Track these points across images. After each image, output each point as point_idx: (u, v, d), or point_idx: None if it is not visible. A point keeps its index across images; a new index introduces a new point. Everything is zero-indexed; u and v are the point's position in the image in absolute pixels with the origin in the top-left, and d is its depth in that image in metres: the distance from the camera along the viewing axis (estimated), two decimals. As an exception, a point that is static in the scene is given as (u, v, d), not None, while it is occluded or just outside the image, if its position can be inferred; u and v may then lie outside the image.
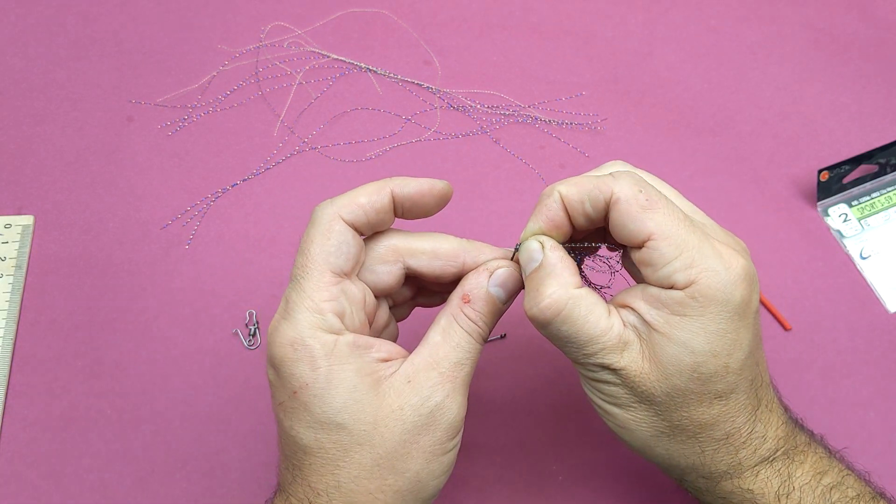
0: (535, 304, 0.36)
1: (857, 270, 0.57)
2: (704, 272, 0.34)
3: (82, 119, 0.61)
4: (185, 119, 0.62)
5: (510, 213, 0.59)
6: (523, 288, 0.38)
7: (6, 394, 0.50)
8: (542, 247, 0.37)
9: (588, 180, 0.36)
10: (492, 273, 0.38)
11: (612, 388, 0.36)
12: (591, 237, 0.40)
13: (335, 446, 0.35)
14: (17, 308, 0.53)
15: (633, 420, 0.37)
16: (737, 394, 0.36)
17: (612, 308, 0.36)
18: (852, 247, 0.58)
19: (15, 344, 0.52)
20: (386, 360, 0.37)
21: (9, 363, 0.51)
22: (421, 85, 0.64)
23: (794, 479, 0.37)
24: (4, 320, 0.52)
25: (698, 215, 0.38)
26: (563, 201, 0.37)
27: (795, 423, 0.40)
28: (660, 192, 0.36)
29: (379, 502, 0.35)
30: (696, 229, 0.35)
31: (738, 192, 0.60)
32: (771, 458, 0.37)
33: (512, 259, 0.39)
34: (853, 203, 0.60)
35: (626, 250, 0.38)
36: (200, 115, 0.62)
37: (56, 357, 0.52)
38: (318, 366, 0.35)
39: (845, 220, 0.59)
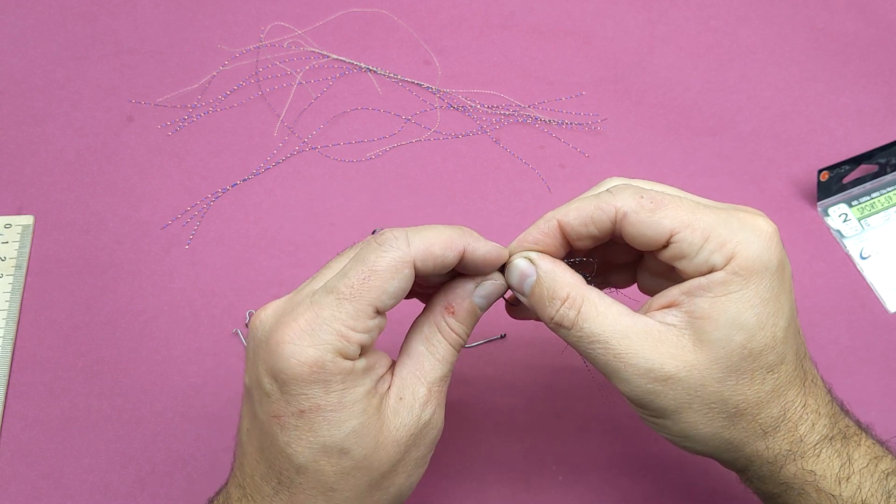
0: (555, 311, 0.36)
1: (857, 270, 0.57)
2: (740, 245, 0.34)
3: (82, 119, 0.61)
4: (185, 119, 0.62)
5: (510, 213, 0.59)
6: (505, 298, 0.38)
7: (6, 394, 0.50)
8: (532, 262, 0.37)
9: (588, 203, 0.36)
10: (478, 285, 0.38)
11: (658, 399, 0.35)
12: (591, 253, 0.40)
13: (335, 470, 0.34)
14: (17, 308, 0.53)
15: (689, 423, 0.36)
16: (786, 364, 0.35)
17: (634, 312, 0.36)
18: (852, 247, 0.58)
19: (15, 344, 0.52)
20: (382, 375, 0.36)
21: (9, 363, 0.51)
22: (421, 85, 0.64)
23: (853, 461, 0.36)
24: (4, 320, 0.52)
25: (706, 201, 0.38)
26: (560, 228, 0.37)
27: (840, 405, 0.39)
28: (661, 191, 0.36)
29: None
30: (711, 210, 0.35)
31: (738, 192, 0.60)
32: (830, 437, 0.37)
33: (501, 270, 0.38)
34: (853, 203, 0.60)
35: (643, 268, 0.39)
36: (200, 115, 0.62)
37: (56, 357, 0.52)
38: (332, 389, 0.33)
39: (845, 220, 0.59)
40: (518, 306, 0.40)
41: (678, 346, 0.35)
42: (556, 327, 0.36)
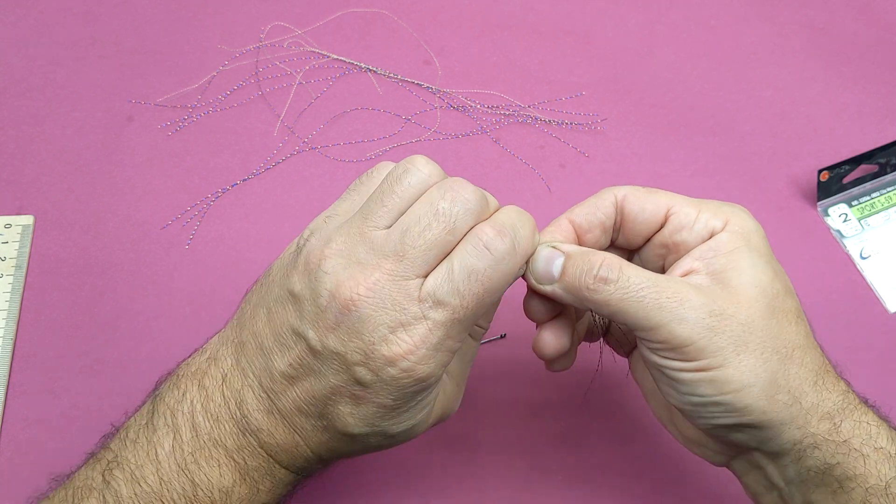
0: (597, 268, 0.35)
1: (857, 270, 0.57)
2: (730, 213, 0.37)
3: (82, 119, 0.61)
4: (185, 119, 0.62)
5: (510, 213, 0.59)
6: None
7: (6, 394, 0.50)
8: (556, 247, 0.37)
9: (587, 200, 0.39)
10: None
11: (715, 338, 0.34)
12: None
13: (375, 443, 0.37)
14: (17, 308, 0.53)
15: (749, 370, 0.34)
16: (803, 319, 0.37)
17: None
18: (852, 247, 0.58)
19: (15, 344, 0.52)
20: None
21: (9, 363, 0.51)
22: (421, 85, 0.64)
23: (879, 434, 0.36)
24: (4, 320, 0.52)
25: None
26: (572, 224, 0.38)
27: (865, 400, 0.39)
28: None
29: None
30: (694, 201, 0.38)
31: (738, 192, 0.60)
32: (857, 402, 0.37)
33: (523, 276, 0.38)
34: (853, 203, 0.60)
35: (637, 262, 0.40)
36: (200, 115, 0.62)
37: (56, 357, 0.52)
38: (420, 397, 0.36)
39: (845, 220, 0.59)
40: (548, 338, 0.40)
41: (718, 293, 0.35)
42: (599, 285, 0.34)
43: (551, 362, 0.41)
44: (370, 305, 0.33)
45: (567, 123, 0.63)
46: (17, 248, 0.55)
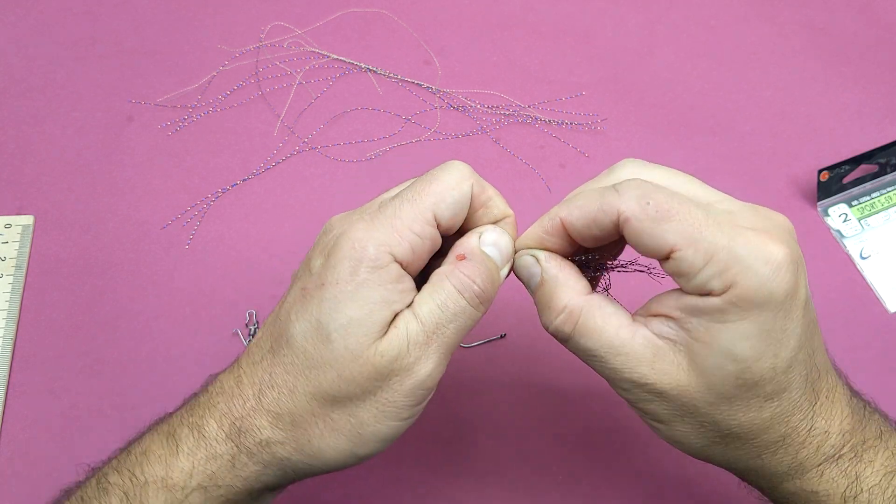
0: (551, 321, 0.35)
1: (858, 270, 0.57)
2: (741, 273, 0.31)
3: (82, 119, 0.61)
4: (185, 119, 0.62)
5: (510, 213, 0.59)
6: (515, 257, 0.38)
7: (6, 394, 0.50)
8: (538, 260, 0.36)
9: (591, 200, 0.34)
10: (481, 235, 0.37)
11: (652, 406, 0.35)
12: (606, 248, 0.38)
13: (313, 354, 0.34)
14: (17, 308, 0.53)
15: (680, 434, 0.35)
16: (789, 392, 0.33)
17: (638, 318, 0.35)
18: (852, 247, 0.58)
19: (15, 344, 0.52)
20: (401, 298, 0.35)
21: (9, 363, 0.51)
22: (421, 85, 0.64)
23: (861, 479, 0.35)
24: (4, 320, 0.52)
25: (723, 201, 0.35)
26: (564, 226, 0.35)
27: (866, 408, 0.37)
28: (672, 193, 0.33)
29: (317, 430, 0.35)
30: (722, 225, 0.32)
31: (739, 192, 0.59)
32: (837, 456, 0.35)
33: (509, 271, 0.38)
34: (853, 203, 0.60)
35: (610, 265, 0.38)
36: (200, 115, 0.62)
37: (56, 357, 0.52)
38: (358, 273, 0.33)
39: (845, 220, 0.59)
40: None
41: (674, 363, 0.33)
42: (554, 335, 0.36)
43: None
44: (338, 220, 0.37)
45: (567, 123, 0.63)
46: (17, 248, 0.55)
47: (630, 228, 0.33)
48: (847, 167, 0.59)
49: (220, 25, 0.67)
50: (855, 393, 0.38)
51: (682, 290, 0.33)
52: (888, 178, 0.61)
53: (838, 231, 0.59)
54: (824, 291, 0.56)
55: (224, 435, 0.35)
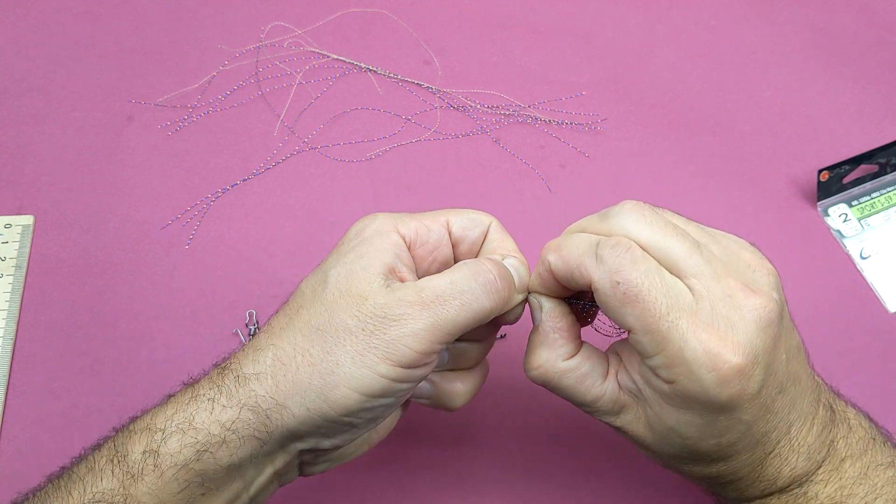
0: (528, 370, 0.38)
1: (857, 270, 0.57)
2: (684, 375, 0.32)
3: (82, 119, 0.61)
4: (185, 119, 0.62)
5: (510, 213, 0.59)
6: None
7: (6, 394, 0.50)
8: (541, 308, 0.38)
9: (575, 255, 0.35)
10: (504, 257, 0.39)
11: (620, 433, 0.38)
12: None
13: (312, 295, 0.36)
14: (17, 308, 0.53)
15: (646, 454, 0.39)
16: (740, 454, 0.36)
17: (610, 369, 0.38)
18: (852, 247, 0.58)
19: (15, 344, 0.52)
20: (400, 256, 0.37)
21: (9, 363, 0.51)
22: (421, 85, 0.64)
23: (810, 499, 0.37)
24: (4, 320, 0.52)
25: (710, 243, 0.35)
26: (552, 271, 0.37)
27: (833, 443, 0.37)
28: (647, 272, 0.33)
29: (293, 364, 0.34)
30: (679, 321, 0.32)
31: (738, 192, 0.60)
32: (783, 489, 0.37)
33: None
34: (853, 203, 0.60)
35: None
36: (200, 115, 0.62)
37: (56, 357, 0.52)
38: (362, 234, 0.37)
39: (845, 220, 0.59)
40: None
41: (636, 417, 0.37)
42: (533, 379, 0.39)
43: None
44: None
45: (567, 123, 0.63)
46: (17, 248, 0.55)
47: (598, 298, 0.35)
48: (847, 167, 0.59)
49: (220, 25, 0.67)
50: (836, 412, 0.38)
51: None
52: (888, 178, 0.61)
53: (838, 231, 0.59)
54: (824, 291, 0.56)
55: (210, 381, 0.36)
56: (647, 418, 0.36)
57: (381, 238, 0.37)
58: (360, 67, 0.65)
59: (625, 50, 0.67)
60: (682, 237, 0.34)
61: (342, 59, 0.65)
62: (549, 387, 0.38)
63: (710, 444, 0.35)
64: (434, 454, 0.49)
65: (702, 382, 0.32)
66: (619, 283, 0.33)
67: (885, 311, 0.56)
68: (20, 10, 0.67)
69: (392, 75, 0.65)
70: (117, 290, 0.54)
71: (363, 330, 0.34)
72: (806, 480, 0.37)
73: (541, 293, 0.39)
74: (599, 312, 0.41)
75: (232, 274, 0.55)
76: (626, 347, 0.37)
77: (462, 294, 0.35)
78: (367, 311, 0.34)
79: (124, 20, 0.67)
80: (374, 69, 0.65)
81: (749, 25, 0.69)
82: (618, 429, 0.38)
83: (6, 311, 0.53)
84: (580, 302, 0.39)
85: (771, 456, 0.36)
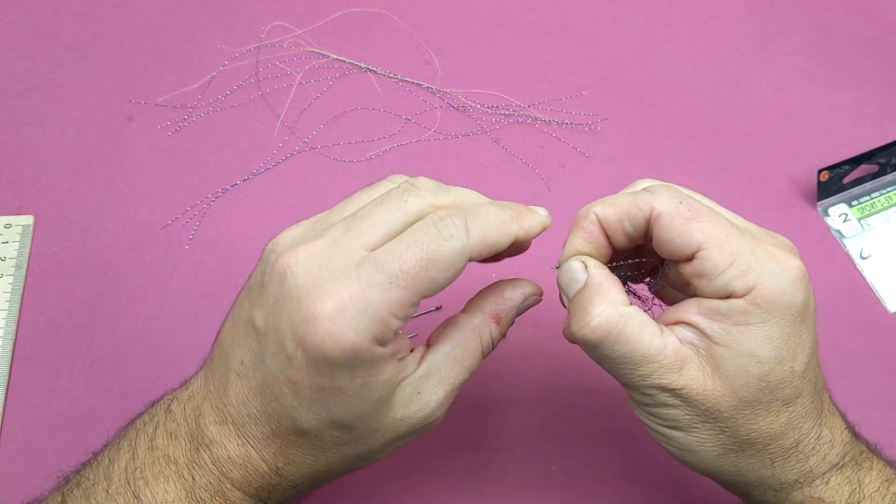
0: (585, 324, 0.34)
1: (857, 270, 0.57)
2: (763, 276, 0.33)
3: (82, 119, 0.61)
4: (185, 119, 0.62)
5: (510, 213, 0.59)
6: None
7: (6, 394, 0.50)
8: (586, 266, 0.36)
9: (625, 198, 0.35)
10: (526, 297, 0.38)
11: (673, 411, 0.35)
12: (629, 257, 0.39)
13: (332, 440, 0.34)
14: (17, 308, 0.53)
15: (696, 441, 0.35)
16: (802, 398, 0.35)
17: (662, 327, 0.35)
18: (852, 247, 0.58)
19: (15, 344, 0.52)
20: (402, 359, 0.35)
21: (9, 363, 0.51)
22: (421, 85, 0.64)
23: (864, 486, 0.36)
24: (4, 320, 0.52)
25: (740, 221, 0.37)
26: (600, 222, 0.36)
27: (852, 429, 0.39)
28: (699, 201, 0.35)
29: (332, 469, 0.36)
30: (744, 234, 0.34)
31: (738, 192, 0.60)
32: (840, 465, 0.36)
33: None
34: (853, 203, 0.60)
35: (664, 272, 0.38)
36: (200, 115, 0.62)
37: (56, 357, 0.52)
38: (357, 375, 0.32)
39: (845, 220, 0.59)
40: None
41: (699, 368, 0.34)
42: (581, 342, 0.35)
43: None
44: (304, 268, 0.32)
45: (567, 123, 0.63)
46: (17, 248, 0.55)
47: (661, 225, 0.34)
48: (847, 167, 0.59)
49: (220, 25, 0.67)
50: (843, 414, 0.39)
51: (700, 299, 0.34)
52: (888, 178, 0.61)
53: (838, 231, 0.59)
54: (824, 291, 0.56)
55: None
56: (715, 362, 0.34)
57: (379, 370, 0.34)
58: (360, 67, 0.65)
59: (625, 50, 0.67)
60: (717, 213, 0.35)
61: (342, 59, 0.65)
62: (608, 341, 0.34)
63: (786, 368, 0.33)
64: (434, 453, 0.49)
65: (779, 281, 0.33)
66: (681, 202, 0.34)
67: (885, 311, 0.56)
68: (20, 10, 0.67)
69: (392, 75, 0.65)
70: (117, 290, 0.54)
71: (402, 439, 0.37)
72: (856, 454, 0.37)
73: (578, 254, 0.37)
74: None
75: (232, 274, 0.55)
76: (677, 297, 0.37)
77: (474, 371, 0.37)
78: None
79: (124, 20, 0.67)
80: (374, 69, 0.65)
81: (749, 25, 0.69)
82: (678, 392, 0.34)
83: (6, 311, 0.53)
84: (618, 263, 0.38)
85: (824, 412, 0.36)
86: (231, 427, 0.35)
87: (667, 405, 0.35)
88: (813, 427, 0.36)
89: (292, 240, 0.35)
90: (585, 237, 0.36)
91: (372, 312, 0.31)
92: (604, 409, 0.51)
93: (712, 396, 0.34)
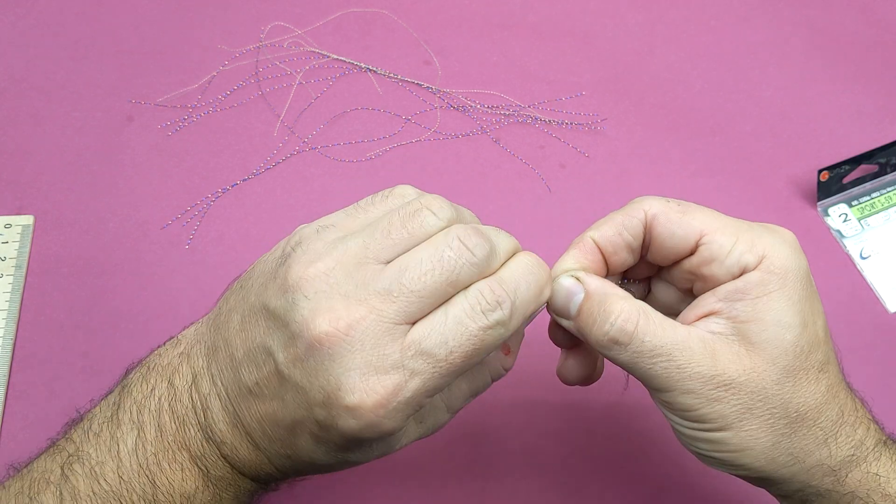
0: (612, 325, 0.33)
1: (857, 270, 0.57)
2: (769, 247, 0.34)
3: (82, 119, 0.61)
4: (185, 119, 0.62)
5: (510, 213, 0.59)
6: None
7: (6, 394, 0.50)
8: (579, 280, 0.35)
9: (616, 213, 0.36)
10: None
11: (718, 407, 0.33)
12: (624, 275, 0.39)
13: (346, 465, 0.35)
14: (17, 308, 0.53)
15: (748, 436, 0.34)
16: (832, 364, 0.35)
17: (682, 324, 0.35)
18: (852, 247, 0.58)
19: (15, 344, 0.52)
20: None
21: (9, 363, 0.51)
22: (421, 85, 0.64)
23: None
24: (4, 320, 0.52)
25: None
26: (597, 245, 0.36)
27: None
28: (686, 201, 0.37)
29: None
30: (734, 218, 0.35)
31: (738, 192, 0.60)
32: (884, 441, 0.36)
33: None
34: (853, 203, 0.60)
35: (658, 282, 0.38)
36: (200, 115, 0.62)
37: (56, 357, 0.52)
38: (383, 440, 0.33)
39: (845, 220, 0.59)
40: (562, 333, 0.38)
41: (732, 352, 0.33)
42: (611, 344, 0.34)
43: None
44: (345, 343, 0.30)
45: (567, 123, 0.63)
46: (17, 248, 0.55)
47: (659, 223, 0.35)
48: (847, 167, 0.59)
49: (220, 25, 0.67)
50: None
51: (713, 290, 0.35)
52: (888, 178, 0.61)
53: (838, 231, 0.59)
54: (824, 291, 0.56)
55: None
56: (746, 341, 0.33)
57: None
58: (360, 67, 0.65)
59: (625, 50, 0.67)
60: (705, 206, 0.37)
61: (342, 59, 0.65)
62: (639, 333, 0.33)
63: (811, 331, 0.34)
64: (434, 453, 0.49)
65: (784, 247, 0.34)
66: (669, 201, 0.36)
67: (886, 311, 0.56)
68: (20, 10, 0.67)
69: (392, 75, 0.65)
70: (117, 290, 0.54)
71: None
72: (889, 434, 0.37)
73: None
74: None
75: (232, 274, 0.55)
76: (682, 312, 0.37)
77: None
78: None
79: (124, 20, 0.67)
80: (374, 69, 0.65)
81: (749, 25, 0.69)
82: (719, 379, 0.33)
83: (6, 311, 0.53)
84: (620, 281, 0.39)
85: (841, 422, 0.35)
86: (242, 433, 0.34)
87: (712, 400, 0.33)
88: (848, 397, 0.36)
89: (319, 253, 0.33)
90: (581, 252, 0.36)
91: (413, 402, 0.31)
92: (605, 407, 0.51)
93: (754, 374, 0.33)
